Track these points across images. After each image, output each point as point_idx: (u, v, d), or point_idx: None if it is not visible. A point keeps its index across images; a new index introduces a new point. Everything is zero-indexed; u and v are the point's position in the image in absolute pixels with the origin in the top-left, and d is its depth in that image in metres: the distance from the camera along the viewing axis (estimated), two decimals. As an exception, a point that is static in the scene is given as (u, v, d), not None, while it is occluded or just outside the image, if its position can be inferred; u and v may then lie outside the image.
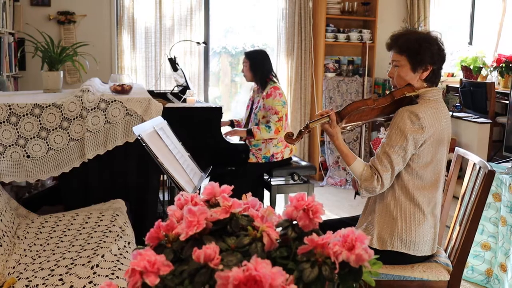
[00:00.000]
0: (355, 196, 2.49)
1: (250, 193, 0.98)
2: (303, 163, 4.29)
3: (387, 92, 5.76)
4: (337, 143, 2.20)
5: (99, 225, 2.47)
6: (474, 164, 2.36)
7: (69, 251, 2.22)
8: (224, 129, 4.11)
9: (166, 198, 4.38)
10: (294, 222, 0.87)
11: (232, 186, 0.96)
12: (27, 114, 2.67)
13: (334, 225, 2.31)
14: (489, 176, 2.15)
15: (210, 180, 3.63)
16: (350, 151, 2.22)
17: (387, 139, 2.16)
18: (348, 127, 2.34)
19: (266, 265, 0.70)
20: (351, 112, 2.17)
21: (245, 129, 4.08)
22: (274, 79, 4.13)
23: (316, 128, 5.91)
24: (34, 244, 2.33)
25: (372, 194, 2.19)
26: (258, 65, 4.08)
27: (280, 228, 0.87)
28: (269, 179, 4.12)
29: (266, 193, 4.25)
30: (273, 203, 4.05)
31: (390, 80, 2.31)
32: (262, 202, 4.19)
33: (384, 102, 2.18)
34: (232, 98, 6.38)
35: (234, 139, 4.06)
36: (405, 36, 2.21)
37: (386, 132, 2.20)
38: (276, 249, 0.83)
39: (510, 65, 5.97)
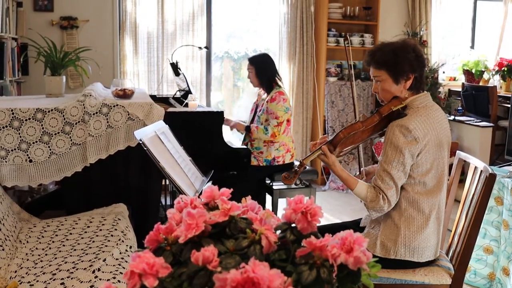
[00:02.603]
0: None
1: (249, 196, 0.98)
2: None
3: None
4: (336, 171, 2.19)
5: (101, 229, 2.48)
6: (476, 167, 2.36)
7: (71, 255, 2.22)
8: (225, 133, 4.12)
9: (168, 202, 4.39)
10: (293, 225, 0.87)
11: (231, 189, 0.97)
12: (29, 119, 2.68)
13: (334, 229, 2.30)
14: (490, 179, 2.15)
15: (212, 185, 3.63)
16: (350, 176, 2.21)
17: (384, 156, 2.14)
18: (343, 153, 2.32)
19: (264, 267, 0.70)
20: (342, 140, 2.17)
21: (245, 124, 4.10)
22: (279, 82, 4.14)
23: (317, 131, 5.93)
24: (36, 248, 2.34)
25: (381, 213, 2.17)
26: (263, 70, 4.09)
27: (279, 231, 0.88)
28: (271, 184, 4.12)
29: (268, 198, 4.25)
30: (275, 207, 4.05)
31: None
32: (264, 206, 4.20)
33: (372, 122, 2.18)
34: (235, 102, 6.39)
35: (236, 144, 4.07)
36: (380, 50, 2.20)
37: (382, 150, 2.19)
38: (275, 251, 0.84)
39: (512, 69, 5.98)
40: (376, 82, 2.22)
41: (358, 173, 2.48)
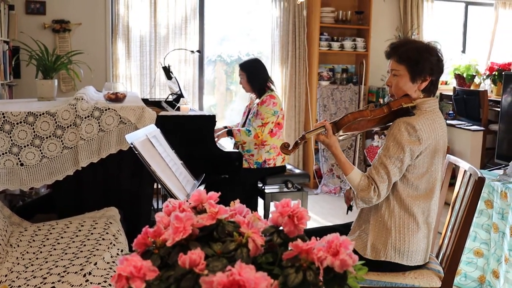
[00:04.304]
0: (347, 211, 2.50)
1: (238, 200, 0.99)
2: (297, 171, 4.30)
3: (380, 100, 5.81)
4: (336, 153, 2.19)
5: (92, 233, 2.48)
6: (465, 171, 2.38)
7: (62, 259, 2.22)
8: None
9: (160, 206, 4.39)
10: (280, 228, 0.88)
11: (223, 193, 0.97)
12: (20, 122, 2.68)
13: (324, 232, 2.30)
14: (479, 183, 2.16)
15: (204, 188, 3.63)
16: (348, 161, 2.21)
17: (384, 150, 2.15)
18: (343, 137, 2.34)
19: (250, 270, 0.71)
20: (348, 123, 2.17)
21: (226, 130, 4.11)
22: (272, 86, 4.15)
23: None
24: (27, 252, 2.34)
25: (368, 204, 2.17)
26: (254, 75, 4.10)
27: (266, 234, 0.89)
28: (263, 187, 4.13)
29: (260, 201, 4.26)
30: (267, 211, 4.05)
31: (385, 89, 2.30)
32: (256, 210, 4.20)
33: (381, 113, 2.18)
34: (227, 106, 6.40)
35: (228, 147, 4.08)
36: (405, 45, 2.21)
37: (383, 142, 2.20)
38: (262, 254, 0.85)
39: (503, 73, 6.03)
40: (392, 76, 2.23)
41: (349, 187, 2.47)
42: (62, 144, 2.75)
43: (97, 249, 2.29)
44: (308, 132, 2.21)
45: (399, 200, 2.18)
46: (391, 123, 2.21)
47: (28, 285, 2.01)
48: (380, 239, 2.20)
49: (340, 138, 2.33)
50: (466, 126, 5.47)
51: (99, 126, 2.80)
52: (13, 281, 2.06)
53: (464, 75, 6.39)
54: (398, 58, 2.19)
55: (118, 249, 2.35)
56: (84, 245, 2.35)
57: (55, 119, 2.73)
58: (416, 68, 2.16)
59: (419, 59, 2.15)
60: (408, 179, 2.16)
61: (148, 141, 2.39)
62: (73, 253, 2.28)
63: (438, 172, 2.22)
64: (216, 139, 4.04)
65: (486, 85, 6.47)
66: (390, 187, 2.15)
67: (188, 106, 3.67)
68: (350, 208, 2.45)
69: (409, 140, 2.09)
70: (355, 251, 0.84)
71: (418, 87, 2.19)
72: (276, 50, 5.90)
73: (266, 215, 3.97)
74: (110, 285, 2.02)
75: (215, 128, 3.88)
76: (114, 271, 2.14)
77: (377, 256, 2.19)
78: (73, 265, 2.15)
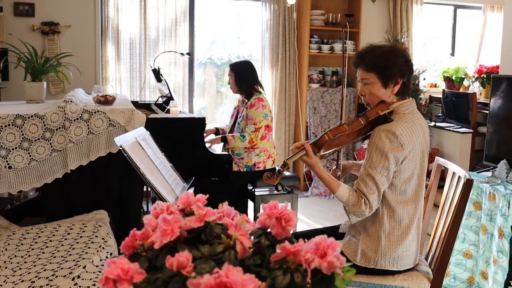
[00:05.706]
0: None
1: (226, 202, 0.99)
2: (287, 173, 4.31)
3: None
4: (319, 173, 2.16)
5: (81, 236, 2.46)
6: (454, 173, 2.40)
7: (50, 263, 2.20)
8: (209, 137, 4.13)
9: (150, 208, 4.37)
10: (268, 230, 0.88)
11: (213, 195, 0.97)
12: (8, 125, 2.66)
13: (312, 235, 2.30)
14: (467, 184, 2.18)
15: (194, 191, 3.63)
16: (333, 178, 2.18)
17: (368, 161, 2.12)
18: (327, 154, 2.30)
19: (238, 272, 0.71)
20: (327, 142, 2.14)
21: (220, 136, 4.10)
22: (260, 89, 4.15)
23: (300, 137, 5.95)
24: (15, 256, 2.31)
25: (361, 218, 2.14)
26: (243, 77, 4.10)
27: (255, 236, 0.89)
28: (253, 190, 4.13)
29: (250, 204, 4.25)
30: (257, 213, 4.05)
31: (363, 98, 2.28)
32: (246, 212, 4.20)
33: (359, 125, 2.15)
34: (218, 108, 6.40)
35: (218, 150, 4.07)
36: (370, 52, 2.17)
37: (366, 154, 2.19)
38: (250, 256, 0.85)
39: (491, 75, 6.08)
40: (363, 85, 2.20)
41: (334, 167, 2.45)
42: (51, 147, 2.73)
43: (86, 253, 2.28)
44: (289, 158, 2.17)
45: (388, 208, 2.17)
46: (371, 131, 2.19)
47: (16, 289, 2.00)
48: (371, 247, 2.19)
49: (326, 155, 2.28)
50: (455, 128, 5.52)
51: (88, 128, 2.78)
52: (1, 285, 2.04)
53: (453, 77, 6.44)
54: (366, 66, 2.17)
55: (108, 252, 2.33)
56: (73, 249, 2.33)
57: (43, 122, 2.71)
58: (386, 74, 2.13)
59: (387, 64, 2.13)
60: (395, 185, 2.15)
61: (138, 143, 2.39)
62: (61, 256, 2.26)
63: (424, 174, 2.23)
64: (210, 145, 4.03)
65: (475, 87, 6.53)
66: (380, 197, 2.13)
67: (178, 109, 3.67)
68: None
69: (391, 147, 2.07)
70: (345, 257, 0.84)
71: (392, 91, 2.17)
72: (266, 52, 5.91)
73: (256, 218, 3.97)
74: (99, 288, 2.01)
75: (206, 129, 3.88)
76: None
77: (367, 263, 2.19)
78: (62, 268, 2.13)
